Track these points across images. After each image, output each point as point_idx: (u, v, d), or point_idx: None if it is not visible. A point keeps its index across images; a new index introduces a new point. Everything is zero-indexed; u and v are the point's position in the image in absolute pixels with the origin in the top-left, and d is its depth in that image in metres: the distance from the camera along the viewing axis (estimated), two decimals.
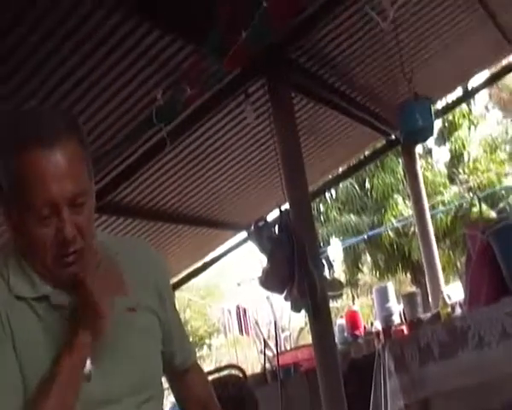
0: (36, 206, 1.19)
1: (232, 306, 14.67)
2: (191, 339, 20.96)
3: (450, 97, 8.30)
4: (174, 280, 10.06)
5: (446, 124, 13.92)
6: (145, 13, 3.80)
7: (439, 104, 8.11)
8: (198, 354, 23.51)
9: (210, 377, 4.52)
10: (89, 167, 1.28)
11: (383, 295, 7.18)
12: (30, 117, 1.22)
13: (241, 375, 4.47)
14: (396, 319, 6.86)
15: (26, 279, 1.26)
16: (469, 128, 14.12)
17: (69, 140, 1.21)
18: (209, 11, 3.85)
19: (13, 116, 1.25)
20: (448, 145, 14.33)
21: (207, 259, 10.06)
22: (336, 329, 6.52)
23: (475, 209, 12.78)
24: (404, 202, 13.51)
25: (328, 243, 14.00)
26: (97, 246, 1.33)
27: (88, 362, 1.25)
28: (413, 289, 13.64)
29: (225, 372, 5.00)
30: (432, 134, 6.46)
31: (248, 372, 5.24)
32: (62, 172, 1.19)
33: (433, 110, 6.11)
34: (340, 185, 13.67)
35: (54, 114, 1.26)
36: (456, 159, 14.32)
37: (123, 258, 1.38)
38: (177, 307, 1.57)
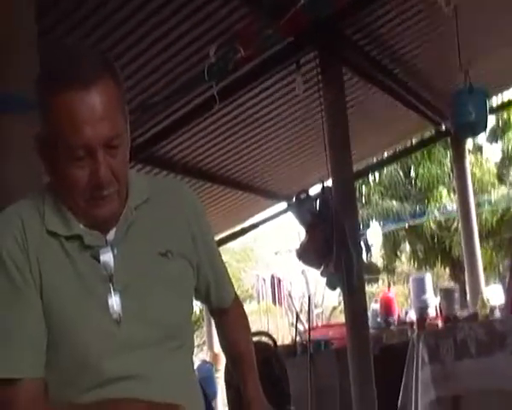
0: (71, 147, 1.17)
1: (267, 274, 14.74)
2: None
3: (507, 95, 8.11)
4: None
5: (500, 122, 13.57)
6: None
7: (495, 100, 7.94)
8: None
9: None
10: (124, 110, 1.25)
11: (420, 286, 7.15)
12: (67, 55, 1.22)
13: (271, 343, 4.47)
14: (431, 312, 6.75)
15: (61, 217, 1.25)
16: None
17: (105, 81, 1.19)
18: None
19: (51, 53, 1.25)
20: (500, 144, 14.01)
21: (246, 224, 10.21)
22: (370, 313, 6.50)
23: None
24: (449, 196, 13.30)
25: (368, 226, 13.94)
26: (130, 189, 1.30)
27: (117, 305, 1.25)
28: (451, 284, 13.49)
29: (256, 338, 5.03)
30: (484, 129, 6.33)
31: (278, 342, 5.28)
32: (98, 113, 1.17)
33: (488, 105, 6.00)
34: (385, 170, 13.55)
35: (90, 53, 1.24)
36: (507, 159, 13.97)
37: (157, 200, 1.35)
38: (215, 247, 1.52)
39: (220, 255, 1.53)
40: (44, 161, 1.25)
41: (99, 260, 1.26)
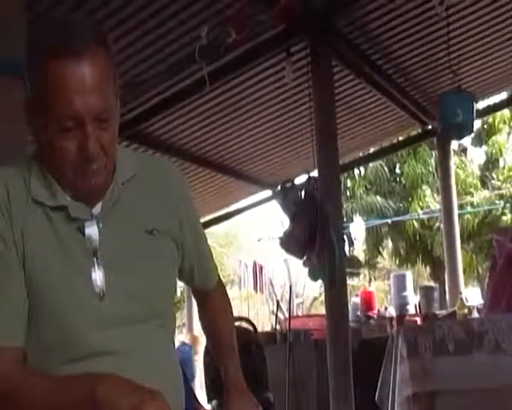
0: (60, 117, 1.15)
1: (249, 260, 14.76)
2: None
3: (494, 99, 8.18)
4: None
5: (485, 126, 13.67)
6: None
7: (481, 104, 8.01)
8: None
9: None
10: (115, 84, 1.23)
11: (401, 283, 7.17)
12: (60, 24, 1.20)
13: (251, 329, 4.47)
14: (410, 309, 6.84)
15: (47, 186, 1.23)
16: (509, 135, 13.87)
17: (97, 52, 1.17)
18: None
19: (44, 23, 1.24)
20: (485, 148, 14.13)
21: (230, 209, 10.24)
22: (350, 306, 6.49)
23: (505, 218, 12.64)
24: (433, 195, 13.41)
25: (352, 220, 14.02)
26: (118, 164, 1.29)
27: (101, 280, 1.24)
28: (431, 283, 13.63)
29: (236, 324, 5.12)
30: (470, 132, 6.36)
31: (258, 329, 5.28)
32: (89, 83, 1.15)
33: (475, 108, 6.05)
34: (370, 165, 13.59)
35: (84, 24, 1.22)
36: (491, 163, 14.09)
37: (144, 177, 1.34)
38: (201, 230, 1.52)
39: (206, 239, 1.53)
40: (32, 129, 1.23)
41: (84, 234, 1.24)
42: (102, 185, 1.25)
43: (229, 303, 1.63)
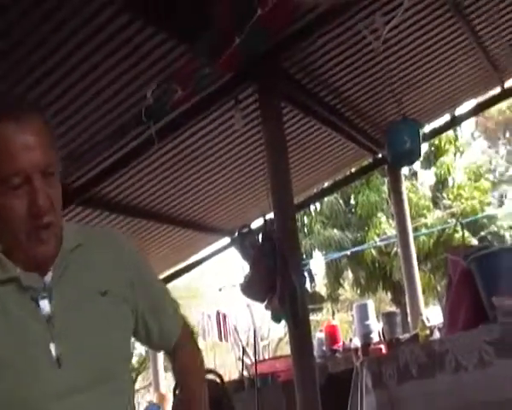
0: (7, 175, 1.19)
1: (212, 311, 14.64)
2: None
3: (438, 122, 8.41)
4: None
5: (432, 148, 14.06)
6: (137, 9, 3.84)
7: (427, 128, 8.22)
8: None
9: None
10: (55, 146, 1.29)
11: (363, 313, 7.23)
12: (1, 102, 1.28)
13: (218, 380, 4.44)
14: (375, 337, 6.89)
15: None
16: (455, 155, 14.31)
17: (34, 116, 1.24)
18: (203, 13, 3.92)
19: None
20: (433, 169, 14.50)
21: (189, 261, 10.10)
22: (315, 342, 6.54)
23: (457, 235, 12.90)
24: (388, 222, 13.62)
25: (311, 256, 14.09)
26: (64, 233, 1.31)
27: (57, 349, 1.23)
28: (393, 308, 13.72)
29: None
30: (418, 157, 6.50)
31: (225, 378, 5.21)
32: (31, 141, 1.21)
33: (420, 133, 6.18)
34: (326, 199, 13.75)
35: (18, 98, 1.36)
36: (440, 183, 14.46)
37: (90, 245, 1.36)
38: (159, 286, 1.54)
39: (167, 294, 1.54)
40: None
41: (37, 302, 1.25)
42: (54, 252, 1.27)
43: (198, 356, 1.60)
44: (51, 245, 1.25)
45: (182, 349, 1.54)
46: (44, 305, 1.24)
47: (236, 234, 5.21)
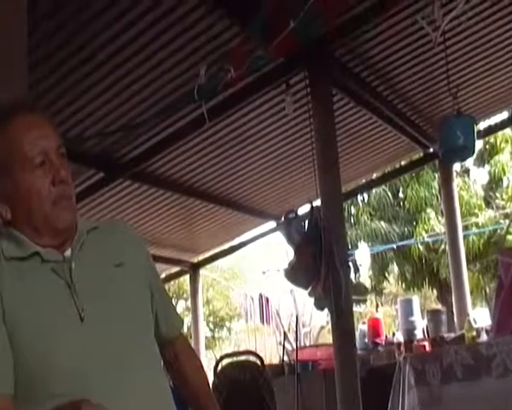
0: (31, 156, 1.35)
1: (255, 293, 14.73)
2: (212, 319, 21.23)
3: (494, 120, 8.20)
4: (200, 258, 10.26)
5: (487, 146, 13.64)
6: None
7: (482, 125, 8.02)
8: (217, 335, 23.09)
9: (228, 360, 4.56)
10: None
11: (408, 308, 7.16)
12: (8, 101, 1.49)
13: (259, 362, 4.45)
14: (418, 334, 6.79)
15: (17, 242, 1.35)
16: (511, 154, 13.88)
17: (39, 110, 1.45)
18: None
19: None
20: (487, 168, 14.12)
21: (235, 242, 10.21)
22: (357, 334, 6.49)
23: (510, 237, 12.57)
24: (437, 218, 13.36)
25: (356, 247, 13.97)
26: (80, 221, 1.45)
27: (80, 306, 1.31)
28: (438, 306, 13.52)
29: (243, 357, 5.04)
30: (472, 154, 6.34)
31: (266, 362, 5.23)
32: (45, 127, 1.41)
33: (475, 130, 6.05)
34: (373, 191, 13.59)
35: (22, 99, 1.64)
36: (494, 183, 14.04)
37: (106, 230, 1.50)
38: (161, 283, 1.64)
39: (167, 293, 1.67)
40: (2, 193, 1.37)
41: (58, 273, 1.34)
42: (73, 221, 1.40)
43: (197, 355, 1.68)
44: (73, 214, 1.39)
45: (184, 345, 1.63)
46: (65, 274, 1.34)
47: (283, 219, 5.22)
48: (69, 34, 4.06)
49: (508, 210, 13.49)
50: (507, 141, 13.56)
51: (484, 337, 5.03)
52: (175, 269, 10.36)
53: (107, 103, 5.05)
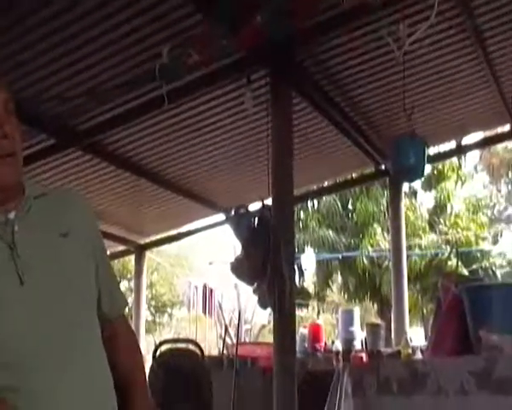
0: None
1: (199, 283, 14.68)
2: (154, 303, 21.03)
3: (444, 147, 8.44)
4: (146, 240, 10.21)
5: (435, 172, 14.05)
6: None
7: (432, 150, 8.26)
8: (158, 320, 22.76)
9: (168, 346, 4.53)
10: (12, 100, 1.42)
11: (348, 318, 7.30)
12: None
13: (199, 352, 4.44)
14: (357, 345, 6.94)
15: None
16: (456, 183, 14.31)
17: None
18: None
19: None
20: (434, 193, 14.52)
21: (183, 229, 10.20)
22: (298, 337, 6.54)
23: (450, 263, 12.94)
24: (383, 234, 13.65)
25: (303, 252, 14.14)
26: (26, 184, 1.40)
27: (15, 268, 1.27)
28: (378, 320, 13.78)
29: (183, 345, 5.02)
30: (421, 176, 6.53)
31: (205, 352, 5.20)
32: None
33: (426, 153, 6.21)
34: (324, 199, 13.80)
35: None
36: (439, 208, 14.47)
37: (54, 197, 1.45)
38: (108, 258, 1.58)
39: (113, 270, 1.61)
40: None
41: (0, 235, 1.30)
42: (14, 179, 1.34)
43: (138, 343, 1.62)
44: (14, 172, 1.34)
45: (125, 332, 1.55)
46: (7, 236, 1.30)
47: (233, 212, 5.21)
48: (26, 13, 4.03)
49: (449, 236, 13.87)
50: (453, 170, 13.98)
51: (419, 356, 5.18)
52: (121, 248, 10.28)
53: (68, 67, 4.97)
